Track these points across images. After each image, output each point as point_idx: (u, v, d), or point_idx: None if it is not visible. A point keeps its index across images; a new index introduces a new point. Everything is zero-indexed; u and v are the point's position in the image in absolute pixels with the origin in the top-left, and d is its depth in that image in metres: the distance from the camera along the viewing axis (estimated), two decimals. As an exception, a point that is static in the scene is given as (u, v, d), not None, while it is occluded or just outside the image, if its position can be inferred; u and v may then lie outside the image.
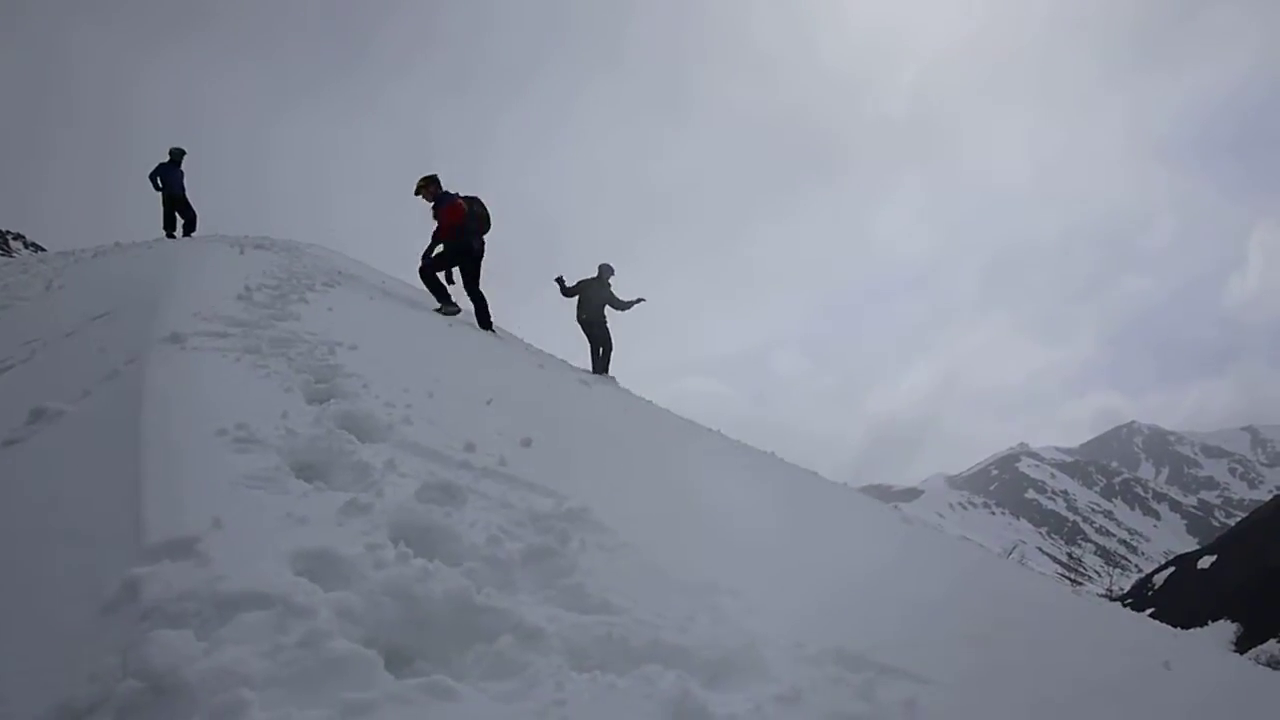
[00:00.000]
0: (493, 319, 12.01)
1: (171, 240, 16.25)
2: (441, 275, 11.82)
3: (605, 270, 14.05)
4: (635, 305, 14.02)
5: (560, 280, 13.87)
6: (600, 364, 13.80)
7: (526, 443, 4.97)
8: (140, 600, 2.36)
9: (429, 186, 11.99)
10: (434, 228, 11.81)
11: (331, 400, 4.81)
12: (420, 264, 11.87)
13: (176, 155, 16.97)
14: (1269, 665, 19.31)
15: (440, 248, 11.78)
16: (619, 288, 13.96)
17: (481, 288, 11.88)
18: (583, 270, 14.03)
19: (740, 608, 3.39)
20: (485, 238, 11.89)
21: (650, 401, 10.60)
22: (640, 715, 2.26)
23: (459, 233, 11.61)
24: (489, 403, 5.83)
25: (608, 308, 13.92)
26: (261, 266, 10.08)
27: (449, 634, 2.57)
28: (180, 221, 17.11)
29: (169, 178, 16.88)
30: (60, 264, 14.38)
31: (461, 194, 11.89)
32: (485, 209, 11.89)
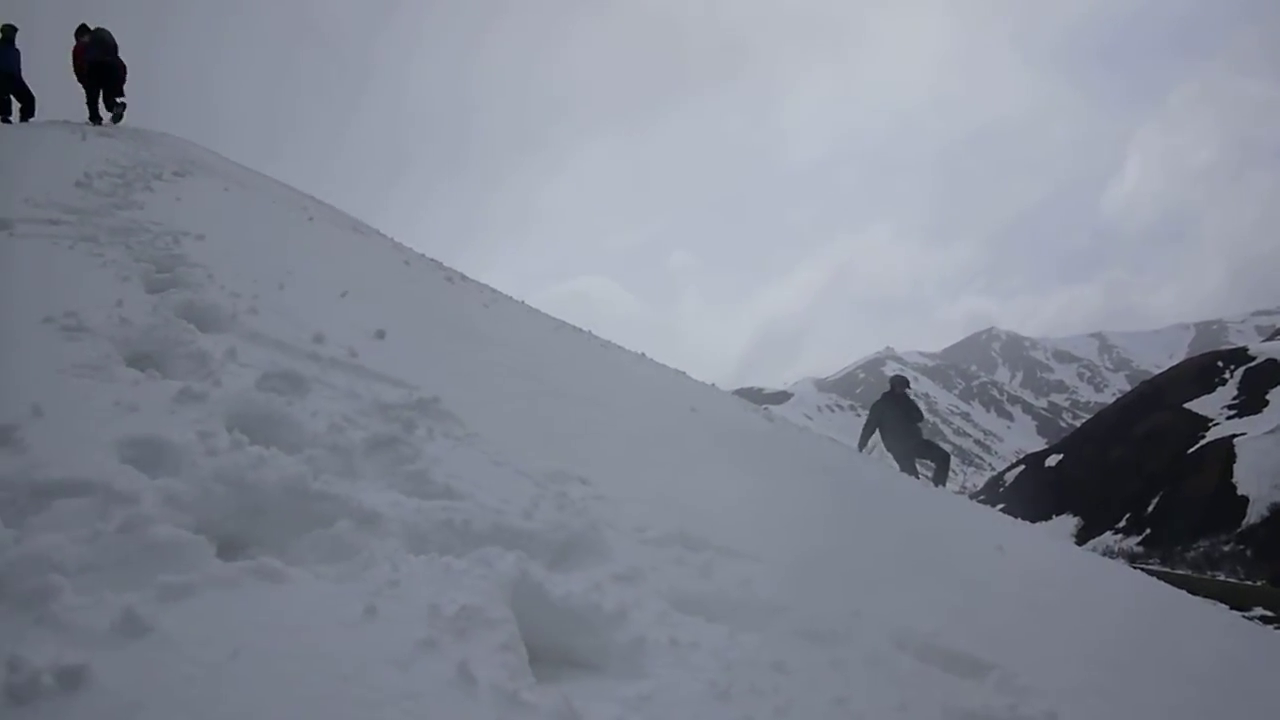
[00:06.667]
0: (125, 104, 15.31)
1: (6, 125, 15.09)
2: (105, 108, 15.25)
3: (898, 384, 11.83)
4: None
5: (862, 435, 11.62)
6: (938, 476, 11.15)
7: (380, 335, 4.89)
8: (-54, 489, 2.26)
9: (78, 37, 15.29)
10: None
11: (172, 290, 4.64)
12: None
13: (9, 32, 15.61)
14: (1105, 555, 20.86)
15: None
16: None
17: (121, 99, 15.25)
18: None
19: (587, 494, 3.46)
20: (115, 58, 15.16)
21: (522, 301, 10.51)
22: (476, 594, 2.28)
23: (88, 65, 14.92)
24: (344, 295, 5.69)
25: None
26: (104, 154, 9.51)
27: (284, 520, 2.55)
28: (16, 106, 15.87)
29: (1, 57, 15.58)
30: (-123, 146, 13.25)
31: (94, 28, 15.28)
32: (103, 38, 15.08)
